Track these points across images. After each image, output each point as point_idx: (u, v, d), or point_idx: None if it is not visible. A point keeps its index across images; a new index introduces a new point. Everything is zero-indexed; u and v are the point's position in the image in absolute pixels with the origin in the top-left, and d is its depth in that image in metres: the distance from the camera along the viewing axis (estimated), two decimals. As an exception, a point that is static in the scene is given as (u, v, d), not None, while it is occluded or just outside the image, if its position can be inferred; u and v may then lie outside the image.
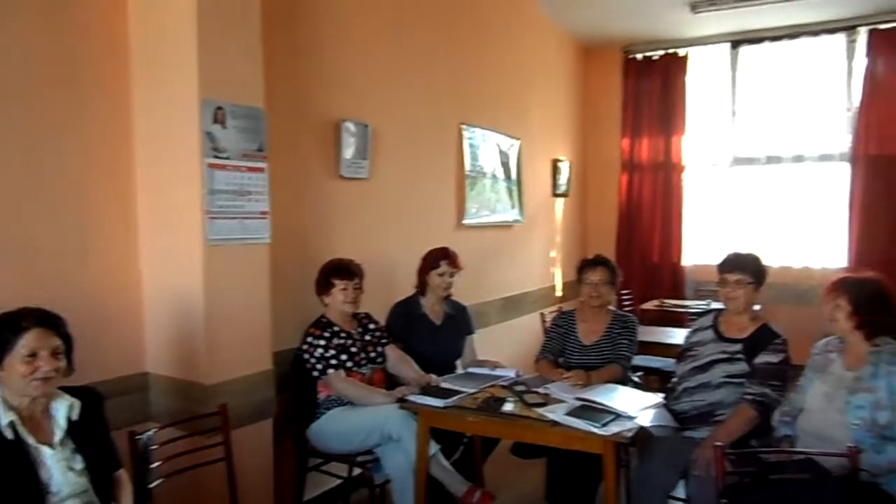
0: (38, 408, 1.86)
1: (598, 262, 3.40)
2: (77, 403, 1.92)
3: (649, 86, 6.82)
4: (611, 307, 3.45)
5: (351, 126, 3.59)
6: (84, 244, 2.54)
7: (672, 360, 3.21)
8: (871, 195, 5.90)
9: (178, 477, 2.35)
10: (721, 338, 2.92)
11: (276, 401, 2.93)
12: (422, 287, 3.52)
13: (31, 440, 1.81)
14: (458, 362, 3.56)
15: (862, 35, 5.92)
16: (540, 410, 2.63)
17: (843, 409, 2.40)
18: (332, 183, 3.55)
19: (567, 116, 6.69)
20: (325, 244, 3.43)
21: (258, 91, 2.78)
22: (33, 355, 1.80)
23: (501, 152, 5.26)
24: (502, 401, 2.76)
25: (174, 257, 2.66)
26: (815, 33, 6.11)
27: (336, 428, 2.94)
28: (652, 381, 4.46)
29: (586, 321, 3.39)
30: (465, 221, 4.74)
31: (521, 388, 2.91)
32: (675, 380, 3.02)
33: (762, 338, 2.82)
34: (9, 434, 1.78)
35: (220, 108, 2.61)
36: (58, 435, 1.87)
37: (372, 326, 3.26)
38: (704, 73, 6.67)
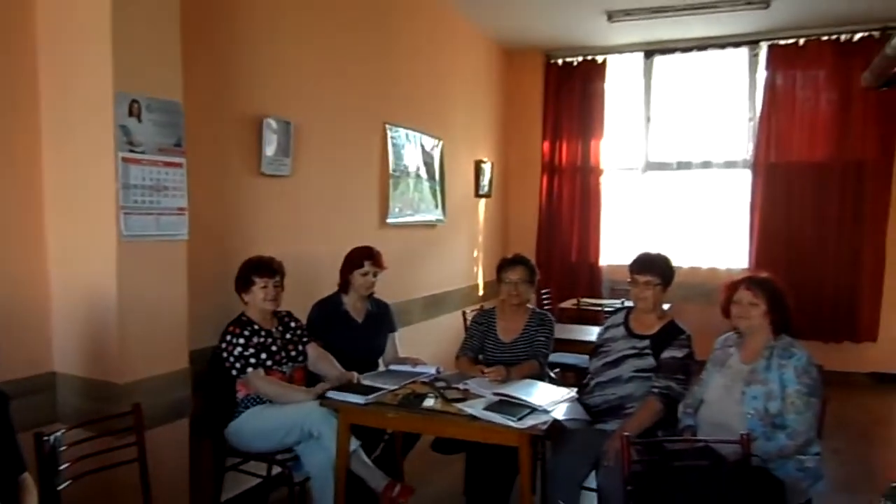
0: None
1: (517, 261, 3.49)
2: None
3: (569, 90, 7.04)
4: (529, 305, 3.56)
5: (273, 123, 3.56)
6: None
7: (588, 357, 3.34)
8: (771, 200, 6.30)
9: (88, 479, 2.28)
10: (631, 334, 3.07)
11: (192, 400, 2.88)
12: (344, 285, 3.53)
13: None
14: (381, 360, 3.58)
15: (763, 49, 6.32)
16: (459, 405, 2.70)
17: (740, 399, 2.58)
18: (254, 180, 3.51)
19: (490, 118, 6.82)
20: (246, 242, 3.39)
21: (176, 85, 2.73)
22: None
23: (425, 152, 5.32)
24: (422, 397, 2.81)
25: (86, 253, 2.58)
26: (722, 46, 6.48)
27: (255, 426, 2.91)
28: (569, 377, 4.61)
29: (505, 319, 3.48)
30: (388, 220, 4.77)
31: (441, 384, 2.97)
32: (589, 375, 3.15)
33: (668, 334, 2.98)
34: None
35: (135, 101, 2.55)
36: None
37: (293, 325, 3.24)
38: (621, 79, 6.95)
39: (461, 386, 2.96)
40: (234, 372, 2.95)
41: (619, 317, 3.20)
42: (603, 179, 6.99)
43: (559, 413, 2.72)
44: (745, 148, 6.49)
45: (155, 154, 2.65)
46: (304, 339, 3.23)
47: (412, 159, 5.10)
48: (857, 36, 5.98)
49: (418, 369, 3.28)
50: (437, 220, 5.58)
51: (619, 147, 6.99)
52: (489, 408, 2.64)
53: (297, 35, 3.80)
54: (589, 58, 6.94)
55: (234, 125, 3.38)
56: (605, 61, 6.90)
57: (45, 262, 2.64)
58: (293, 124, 3.69)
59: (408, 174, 5.04)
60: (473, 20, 6.12)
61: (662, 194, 6.82)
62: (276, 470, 2.96)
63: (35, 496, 1.95)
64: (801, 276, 6.10)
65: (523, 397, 2.76)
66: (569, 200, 7.10)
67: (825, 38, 6.10)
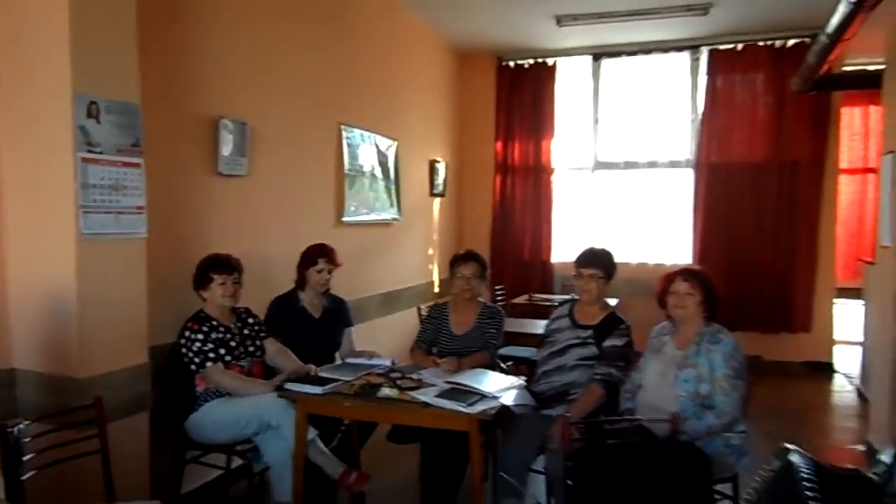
0: None
1: (469, 256, 3.65)
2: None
3: (521, 92, 7.23)
4: (481, 299, 3.71)
5: (229, 124, 3.63)
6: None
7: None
8: (712, 198, 6.60)
9: (52, 470, 2.35)
10: (575, 325, 3.25)
11: (152, 394, 2.95)
12: (301, 282, 3.63)
13: None
14: (337, 354, 3.69)
15: (704, 54, 6.62)
16: (413, 393, 2.83)
17: (673, 383, 2.78)
18: (211, 179, 3.58)
19: (444, 119, 6.97)
20: (204, 240, 3.46)
21: (134, 86, 2.79)
22: None
23: (380, 152, 5.43)
24: (378, 387, 2.93)
25: (45, 252, 2.63)
26: (665, 50, 6.76)
27: (214, 419, 2.99)
28: (522, 370, 4.76)
29: (458, 312, 3.63)
30: (344, 219, 4.87)
31: (395, 374, 3.10)
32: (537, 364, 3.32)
33: (610, 324, 3.17)
34: None
35: (93, 102, 2.61)
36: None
37: (251, 321, 3.32)
38: (570, 82, 7.18)
39: (415, 376, 3.09)
40: (193, 367, 3.03)
41: (565, 308, 3.37)
42: (554, 179, 7.20)
43: (508, 399, 2.88)
44: (688, 148, 6.78)
45: (113, 154, 2.71)
46: (263, 335, 3.32)
47: (367, 159, 5.21)
48: (791, 42, 6.31)
49: (374, 361, 3.40)
50: (393, 219, 5.70)
51: (569, 147, 7.22)
52: (441, 395, 2.78)
53: (254, 37, 3.87)
54: (540, 60, 7.15)
55: (191, 126, 3.45)
56: (555, 64, 7.12)
57: (5, 260, 2.69)
58: (249, 125, 3.77)
59: (363, 174, 5.15)
60: (428, 23, 6.26)
61: (611, 193, 7.07)
62: (236, 462, 3.05)
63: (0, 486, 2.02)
64: (741, 270, 6.42)
65: (474, 385, 2.91)
66: (521, 199, 7.30)
67: (761, 43, 6.42)
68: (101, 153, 2.66)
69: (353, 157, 5.00)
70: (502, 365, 3.87)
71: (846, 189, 7.69)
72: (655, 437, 2.51)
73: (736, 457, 2.71)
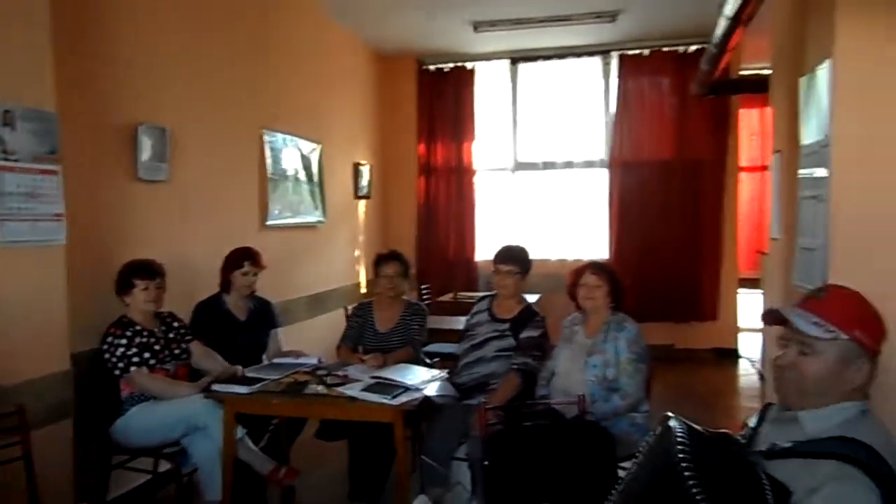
0: None
1: (392, 256, 3.78)
2: None
3: (442, 95, 7.40)
4: (404, 297, 3.85)
5: (148, 129, 3.63)
6: None
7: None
8: (625, 196, 6.95)
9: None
10: (494, 318, 3.43)
11: (76, 401, 2.94)
12: (225, 285, 3.67)
13: None
14: (264, 356, 3.74)
15: (614, 58, 6.96)
16: (339, 389, 2.94)
17: (583, 368, 2.99)
18: (131, 185, 3.58)
19: (366, 122, 7.06)
20: (126, 246, 3.46)
21: (49, 94, 2.79)
22: None
23: (303, 156, 5.48)
24: (305, 384, 3.02)
25: (-40, 261, 2.60)
26: (578, 55, 7.07)
27: (140, 423, 3.01)
28: (448, 365, 4.90)
29: (382, 310, 3.75)
30: (268, 222, 4.90)
31: (322, 372, 3.20)
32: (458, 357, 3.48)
33: (526, 317, 3.37)
34: None
35: (8, 111, 2.60)
36: None
37: (175, 324, 3.35)
38: (490, 85, 7.40)
39: (341, 373, 3.20)
40: (117, 372, 3.04)
41: (484, 303, 3.55)
42: (476, 179, 7.40)
43: (431, 391, 3.02)
44: (602, 148, 7.11)
45: (30, 162, 2.70)
46: (188, 338, 3.35)
47: (291, 163, 5.26)
48: (692, 48, 6.71)
49: (300, 360, 3.47)
50: (318, 222, 5.76)
51: (490, 148, 7.44)
52: (367, 389, 2.90)
53: (173, 43, 3.88)
54: (459, 65, 7.33)
55: (109, 132, 3.44)
56: (474, 68, 7.32)
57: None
58: (169, 130, 3.77)
59: (286, 177, 5.19)
60: (348, 27, 6.34)
61: (531, 192, 7.34)
62: (164, 466, 3.07)
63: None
64: (653, 264, 6.79)
65: (398, 379, 3.04)
66: (445, 200, 7.47)
67: (666, 49, 6.80)
68: (16, 161, 2.65)
69: (276, 161, 5.04)
70: (427, 361, 4.01)
71: (746, 186, 8.18)
72: (565, 418, 2.70)
73: (640, 435, 2.92)
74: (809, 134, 2.58)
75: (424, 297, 6.41)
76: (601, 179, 7.08)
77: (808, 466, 1.38)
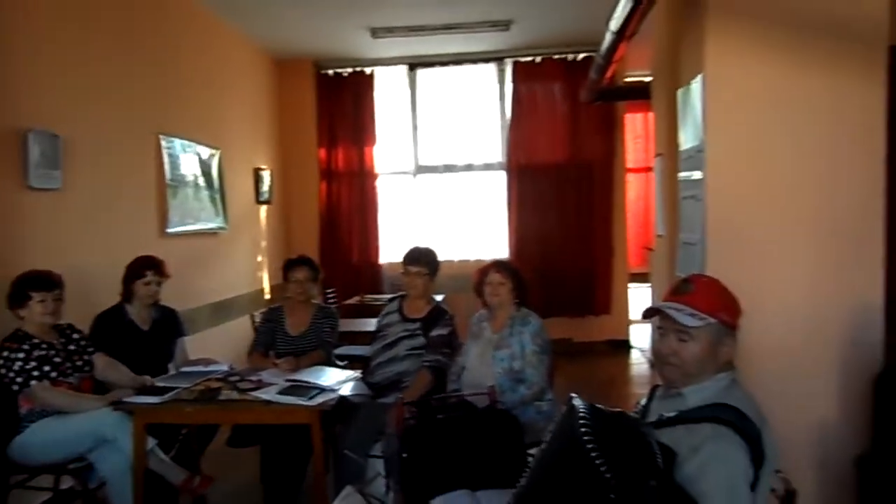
0: None
1: (302, 261, 3.82)
2: None
3: (341, 100, 7.43)
4: (314, 301, 3.89)
5: (38, 135, 3.49)
6: None
7: (372, 348, 3.75)
8: (523, 198, 7.24)
9: None
10: (405, 318, 3.54)
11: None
12: (127, 295, 3.57)
13: None
14: (170, 365, 3.67)
15: (509, 65, 7.24)
16: (254, 393, 2.95)
17: (491, 362, 3.16)
18: (20, 194, 3.42)
19: (266, 127, 6.99)
20: (18, 256, 3.31)
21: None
22: None
23: (202, 161, 5.38)
24: (218, 390, 3.01)
25: None
26: (475, 61, 7.31)
27: (43, 439, 2.90)
28: (357, 367, 4.96)
29: (293, 315, 3.78)
30: (168, 230, 4.79)
31: (234, 378, 3.19)
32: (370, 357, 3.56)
33: (435, 316, 3.50)
34: None
35: None
36: None
37: (75, 336, 3.24)
38: (389, 89, 7.50)
39: (254, 378, 3.20)
40: (15, 387, 2.91)
41: (394, 304, 3.65)
42: (378, 183, 7.48)
43: (346, 391, 3.10)
44: (499, 151, 7.38)
45: (-87, 171, 2.57)
46: (90, 350, 3.25)
47: (189, 168, 5.15)
48: (581, 56, 7.09)
49: (210, 368, 3.44)
50: (219, 228, 5.66)
51: (391, 152, 7.53)
52: (282, 392, 2.94)
53: (63, 48, 3.74)
54: (358, 69, 7.39)
55: (-4, 139, 3.29)
56: (372, 73, 7.39)
57: None
58: (62, 137, 3.64)
59: (186, 184, 5.09)
60: (243, 30, 6.26)
61: (433, 195, 7.50)
62: (67, 483, 2.98)
63: None
64: (551, 261, 7.11)
65: (313, 380, 3.09)
66: (347, 204, 7.50)
67: (556, 56, 7.14)
68: None
69: (175, 167, 4.92)
70: (338, 363, 4.06)
71: (633, 186, 8.73)
72: (475, 408, 2.85)
73: (545, 422, 3.10)
74: (687, 140, 2.86)
75: (330, 300, 6.43)
76: (499, 181, 7.34)
77: (689, 430, 1.63)
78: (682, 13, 3.02)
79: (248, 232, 6.41)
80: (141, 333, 3.57)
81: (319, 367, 3.41)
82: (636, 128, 8.99)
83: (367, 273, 7.42)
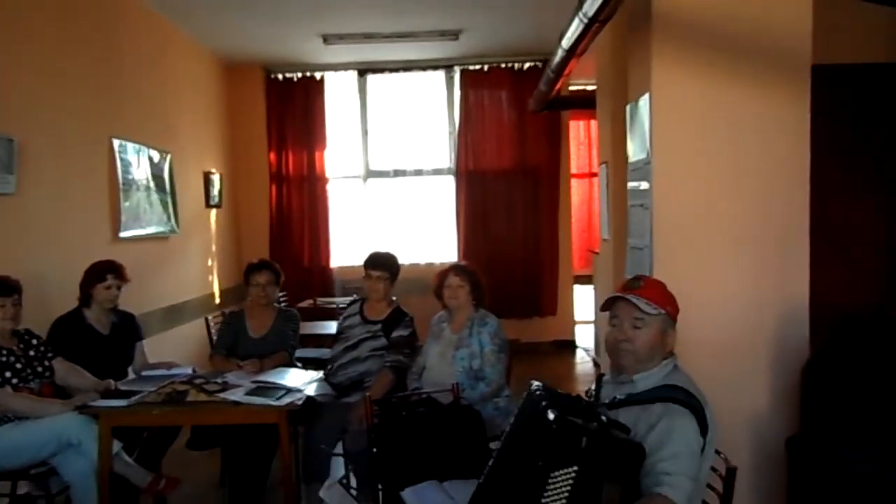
0: None
1: (264, 265, 3.89)
2: None
3: (291, 104, 7.46)
4: (276, 304, 3.96)
5: (-7, 139, 3.46)
6: None
7: (329, 349, 3.84)
8: (471, 202, 7.43)
9: None
10: (366, 321, 3.65)
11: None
12: (85, 299, 3.56)
13: None
14: (130, 369, 3.68)
15: (457, 73, 7.42)
16: (222, 395, 3.01)
17: (452, 361, 3.30)
18: (-26, 199, 3.39)
19: (216, 131, 6.96)
20: (-28, 263, 3.28)
21: None
22: None
23: (154, 165, 5.35)
24: (185, 393, 3.05)
25: None
26: (424, 69, 7.46)
27: (4, 445, 2.87)
28: (313, 368, 5.05)
29: (255, 317, 3.84)
30: (121, 234, 4.75)
31: (200, 380, 3.24)
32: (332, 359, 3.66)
33: (396, 318, 3.62)
34: None
35: None
36: None
37: (34, 342, 3.22)
38: (339, 95, 7.57)
39: (219, 380, 3.26)
40: (-24, 394, 2.90)
41: (355, 307, 3.76)
42: (329, 187, 7.54)
43: (311, 391, 3.19)
44: (448, 157, 7.54)
45: None
46: (50, 355, 3.24)
47: (141, 173, 5.12)
48: (527, 65, 7.33)
49: (173, 371, 3.48)
50: (170, 232, 5.63)
51: (341, 157, 7.61)
52: (250, 393, 3.01)
53: (16, 52, 3.70)
54: (308, 74, 7.43)
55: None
56: (322, 78, 7.45)
57: None
58: (17, 141, 3.61)
59: (138, 188, 5.06)
60: (192, 35, 6.23)
61: (383, 199, 7.61)
62: (23, 489, 2.96)
63: None
64: (499, 264, 7.30)
65: (279, 381, 3.17)
66: (298, 208, 7.53)
67: (504, 65, 7.36)
68: None
69: (127, 171, 4.89)
70: (299, 365, 4.13)
71: (577, 191, 9.04)
72: (439, 404, 2.99)
73: (503, 417, 3.27)
74: (636, 152, 3.07)
75: (282, 303, 6.45)
76: (448, 186, 7.51)
77: (644, 411, 1.89)
78: (627, 33, 3.24)
79: (198, 236, 6.38)
80: (100, 337, 3.57)
81: (283, 369, 3.50)
82: (580, 134, 9.31)
83: (318, 276, 7.46)
